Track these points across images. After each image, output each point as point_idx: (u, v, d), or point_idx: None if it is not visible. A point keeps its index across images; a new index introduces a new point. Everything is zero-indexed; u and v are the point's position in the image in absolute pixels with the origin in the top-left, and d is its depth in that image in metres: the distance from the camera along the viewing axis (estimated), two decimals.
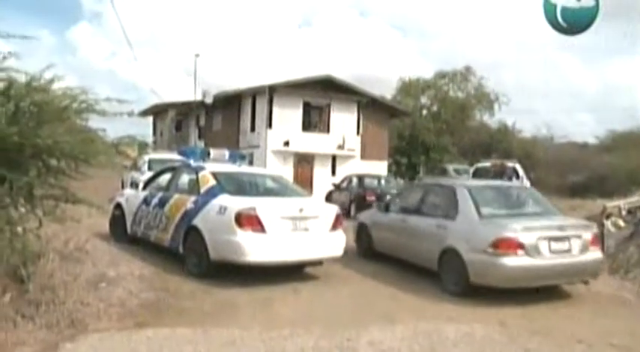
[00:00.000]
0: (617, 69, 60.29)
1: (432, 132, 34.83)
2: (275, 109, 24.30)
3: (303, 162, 24.88)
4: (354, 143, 25.66)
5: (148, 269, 6.88)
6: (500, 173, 17.35)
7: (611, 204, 10.61)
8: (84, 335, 4.59)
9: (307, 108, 25.20)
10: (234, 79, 57.62)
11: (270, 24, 67.38)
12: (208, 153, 9.48)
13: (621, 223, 9.52)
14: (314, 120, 25.60)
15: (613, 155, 28.79)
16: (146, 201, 8.11)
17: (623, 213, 9.86)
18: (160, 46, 64.84)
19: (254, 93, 25.19)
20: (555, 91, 59.66)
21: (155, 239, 7.76)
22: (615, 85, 59.41)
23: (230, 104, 26.59)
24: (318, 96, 25.00)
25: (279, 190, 7.75)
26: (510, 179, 15.66)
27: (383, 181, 19.27)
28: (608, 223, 9.54)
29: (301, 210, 6.82)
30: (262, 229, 6.45)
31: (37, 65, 5.11)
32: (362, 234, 8.95)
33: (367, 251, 8.73)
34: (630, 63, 59.69)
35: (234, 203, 6.61)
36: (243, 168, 8.58)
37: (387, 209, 8.50)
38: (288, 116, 24.37)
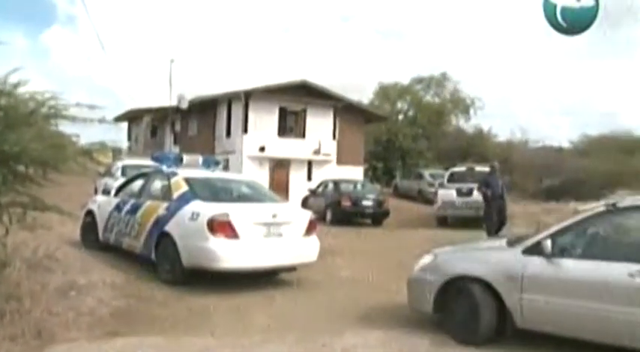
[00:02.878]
0: (597, 72, 61.25)
1: (408, 137, 35.04)
2: (251, 115, 24.23)
3: (279, 168, 24.83)
4: (330, 148, 25.70)
5: (120, 277, 6.79)
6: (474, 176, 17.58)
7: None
8: (51, 346, 4.48)
9: (283, 113, 25.18)
10: (211, 84, 57.35)
11: (248, 29, 67.27)
12: (182, 159, 9.40)
13: None
14: (290, 125, 25.57)
15: (587, 159, 29.27)
16: (118, 208, 8.01)
17: None
18: (135, 51, 64.20)
19: (230, 99, 25.09)
20: (533, 95, 60.83)
21: (127, 246, 7.66)
22: (594, 88, 60.71)
23: (206, 109, 26.44)
24: (294, 102, 25.00)
25: (252, 196, 7.73)
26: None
27: (359, 186, 19.39)
28: None
29: (275, 216, 6.82)
30: (235, 235, 6.43)
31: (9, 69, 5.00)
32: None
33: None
34: (611, 66, 60.68)
35: (207, 209, 6.58)
36: (217, 173, 8.52)
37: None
38: (263, 121, 24.31)
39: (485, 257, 5.13)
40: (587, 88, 60.41)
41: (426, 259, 5.46)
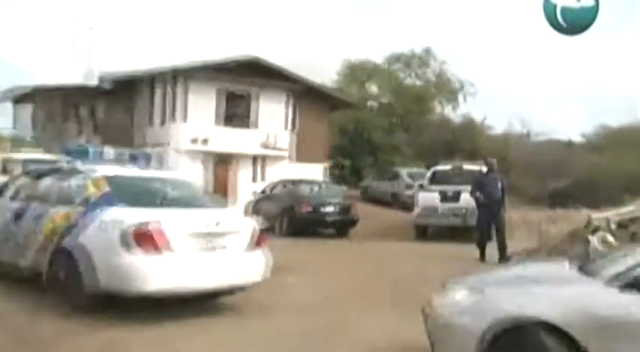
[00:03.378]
0: (615, 47, 60.43)
1: (381, 129, 35.28)
2: (190, 98, 23.98)
3: (224, 165, 24.68)
4: (286, 141, 25.67)
5: (5, 306, 6.59)
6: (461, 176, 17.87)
7: (597, 215, 11.03)
8: None
9: (229, 97, 25.02)
10: (140, 59, 56.39)
11: None
12: (101, 153, 9.24)
13: (611, 239, 9.69)
14: (236, 112, 25.43)
15: (604, 156, 29.56)
16: (14, 215, 7.78)
17: (613, 226, 10.10)
18: (39, 14, 62.64)
19: (163, 78, 24.74)
20: (535, 79, 61.90)
21: (24, 264, 7.44)
22: (612, 70, 61.11)
23: (133, 91, 26.00)
24: (242, 83, 24.84)
25: (188, 200, 7.66)
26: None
27: (321, 188, 19.51)
28: (594, 239, 9.77)
29: (217, 225, 6.80)
30: (166, 249, 6.35)
31: None
32: None
33: None
34: (631, 42, 60.91)
35: (131, 216, 6.48)
36: (146, 171, 8.43)
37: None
38: (205, 107, 24.09)
39: (557, 293, 4.34)
40: (604, 68, 60.85)
41: (459, 295, 4.70)
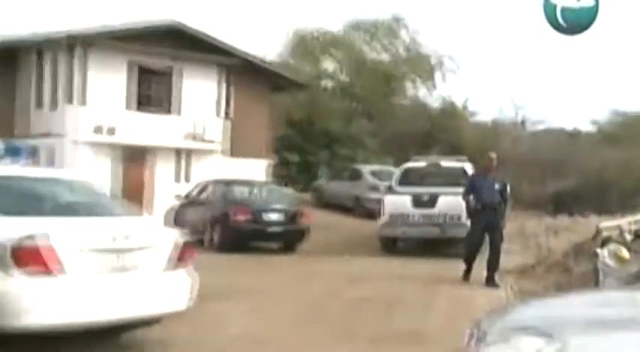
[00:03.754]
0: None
1: (339, 115, 35.44)
2: (91, 75, 23.58)
3: (138, 161, 24.37)
4: (217, 130, 25.52)
5: None
6: (439, 175, 18.09)
7: (607, 223, 11.25)
8: None
9: (143, 74, 24.72)
10: (26, 22, 55.30)
11: None
12: None
13: (625, 253, 9.89)
14: (153, 93, 25.22)
15: (619, 149, 29.95)
16: None
17: (628, 237, 10.31)
18: None
19: (55, 47, 24.28)
20: (532, 56, 63.01)
21: None
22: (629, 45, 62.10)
23: (15, 63, 25.42)
24: (159, 56, 24.57)
25: (88, 206, 7.61)
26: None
27: (262, 191, 19.54)
28: (604, 253, 9.98)
29: (125, 238, 6.73)
30: (57, 270, 6.23)
31: None
32: None
33: None
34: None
35: (9, 228, 6.35)
36: (30, 169, 8.29)
37: None
38: (111, 86, 23.74)
39: None
40: (620, 41, 61.78)
41: (527, 346, 4.04)
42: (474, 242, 12.48)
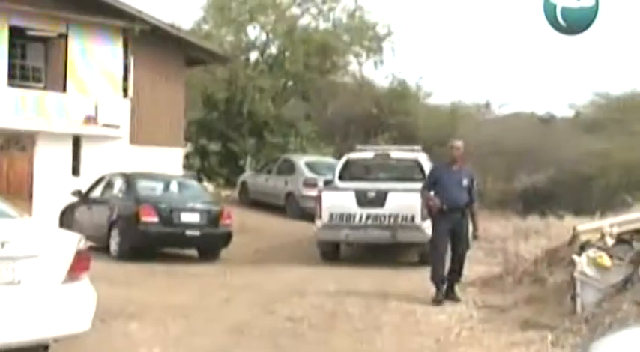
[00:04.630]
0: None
1: (268, 96, 35.38)
2: None
3: (13, 149, 23.99)
4: (119, 113, 25.25)
5: None
6: (389, 168, 18.21)
7: (586, 226, 11.42)
8: None
9: (21, 40, 24.34)
10: None
11: None
12: None
13: (606, 261, 9.93)
14: (34, 65, 24.91)
15: (601, 137, 30.34)
16: None
17: (609, 241, 10.30)
18: None
19: None
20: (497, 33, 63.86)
21: None
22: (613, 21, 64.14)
23: None
24: (44, 17, 24.16)
25: None
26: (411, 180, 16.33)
27: (175, 186, 19.41)
28: (582, 260, 10.05)
29: (2, 245, 6.64)
30: None
31: None
32: None
33: None
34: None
35: None
36: None
37: None
38: None
39: None
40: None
41: None
42: (440, 253, 12.08)
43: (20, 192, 22.32)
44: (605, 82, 69.79)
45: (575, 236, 10.88)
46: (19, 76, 24.35)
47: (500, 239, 17.61)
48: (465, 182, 12.17)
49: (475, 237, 12.54)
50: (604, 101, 35.66)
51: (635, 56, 61.60)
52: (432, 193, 12.24)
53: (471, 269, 13.31)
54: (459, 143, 12.78)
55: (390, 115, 36.94)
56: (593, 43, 63.25)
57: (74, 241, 7.29)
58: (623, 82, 64.71)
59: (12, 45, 23.97)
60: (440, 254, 12.05)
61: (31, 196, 22.84)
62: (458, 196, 12.03)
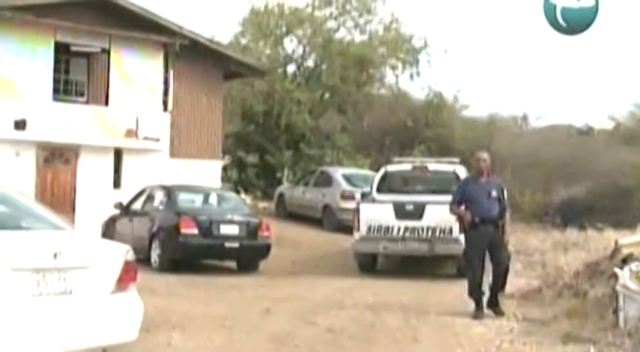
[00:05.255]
0: None
1: (305, 108, 35.42)
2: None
3: (57, 162, 24.17)
4: (159, 126, 25.42)
5: None
6: (427, 181, 18.21)
7: (628, 239, 11.39)
8: None
9: (64, 56, 24.58)
10: None
11: None
12: None
13: None
14: (78, 79, 25.09)
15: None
16: None
17: None
18: None
19: None
20: (533, 47, 63.60)
21: None
22: None
23: None
24: (87, 34, 24.41)
25: (5, 218, 7.68)
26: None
27: (214, 198, 19.57)
28: (625, 274, 10.04)
29: (56, 256, 6.74)
30: None
31: None
32: None
33: None
34: None
35: None
36: None
37: None
38: (23, 70, 23.53)
39: None
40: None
41: None
42: (475, 267, 11.93)
43: (63, 205, 22.45)
44: None
45: (617, 249, 10.86)
46: (62, 90, 24.58)
47: (538, 252, 17.53)
48: (495, 193, 11.98)
49: (506, 242, 12.20)
50: None
51: None
52: (462, 207, 12.08)
53: (510, 282, 13.11)
54: (485, 155, 12.48)
55: (426, 127, 36.85)
56: (633, 52, 63.16)
57: (122, 252, 7.40)
58: None
59: (56, 60, 24.29)
60: (474, 269, 11.92)
61: (73, 208, 23.03)
62: (488, 208, 11.85)
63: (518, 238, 18.40)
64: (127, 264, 7.25)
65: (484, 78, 64.75)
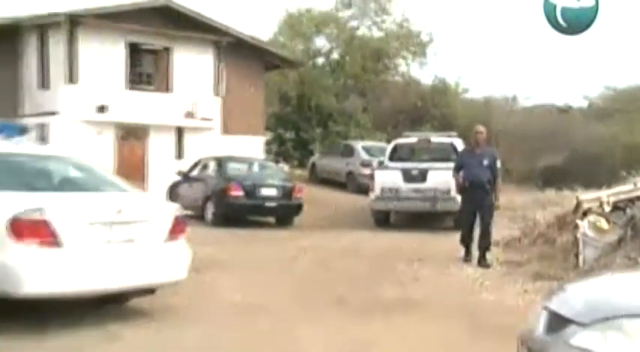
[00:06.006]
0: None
1: (332, 93, 35.48)
2: (83, 53, 23.54)
3: (131, 139, 24.46)
4: (212, 109, 25.59)
5: None
6: (429, 151, 18.29)
7: (588, 196, 11.40)
8: None
9: (135, 52, 24.73)
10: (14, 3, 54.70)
11: None
12: None
13: (604, 224, 10.10)
14: (147, 71, 25.23)
15: (608, 123, 29.94)
16: None
17: (607, 208, 10.37)
18: None
19: (43, 26, 24.20)
20: (522, 36, 62.99)
21: None
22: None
23: (11, 43, 25.32)
24: (153, 35, 24.59)
25: (84, 182, 7.79)
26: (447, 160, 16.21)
27: (256, 167, 19.83)
28: (584, 224, 10.17)
29: (120, 212, 6.92)
30: (56, 242, 6.42)
31: None
32: None
33: None
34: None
35: (8, 202, 6.52)
36: (25, 146, 8.43)
37: None
38: (103, 65, 23.69)
39: None
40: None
41: (585, 341, 3.56)
42: (466, 221, 12.04)
43: (137, 173, 22.79)
44: (615, 76, 68.57)
45: (578, 204, 10.85)
46: (135, 80, 24.82)
47: (521, 208, 17.51)
48: (486, 161, 11.70)
49: (497, 207, 12.07)
50: (612, 93, 35.28)
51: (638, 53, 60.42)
52: (460, 173, 12.06)
53: (497, 232, 13.14)
54: (481, 128, 12.28)
55: (433, 108, 36.76)
56: (607, 39, 62.40)
57: (173, 209, 7.61)
58: (630, 76, 63.49)
59: (130, 56, 24.60)
60: (466, 223, 12.03)
61: (145, 176, 23.39)
62: (478, 173, 11.63)
63: (507, 198, 18.33)
64: (176, 219, 7.40)
65: (481, 65, 64.10)
